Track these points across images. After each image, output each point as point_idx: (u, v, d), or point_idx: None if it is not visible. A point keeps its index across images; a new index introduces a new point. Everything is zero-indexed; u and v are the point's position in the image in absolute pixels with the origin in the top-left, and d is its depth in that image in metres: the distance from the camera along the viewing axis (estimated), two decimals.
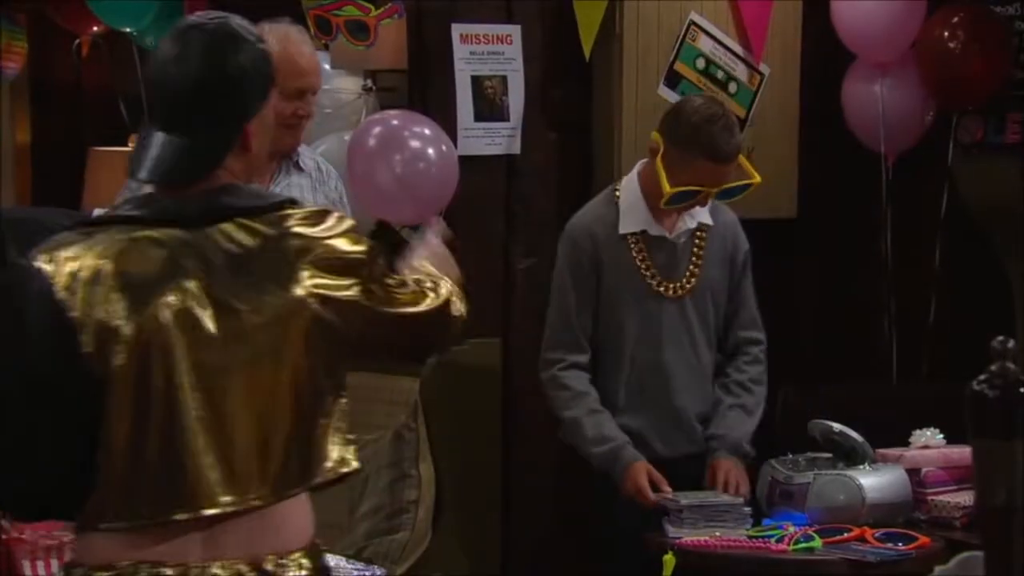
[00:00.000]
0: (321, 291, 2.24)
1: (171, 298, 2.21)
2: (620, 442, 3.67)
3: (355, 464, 2.31)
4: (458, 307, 2.41)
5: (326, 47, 4.44)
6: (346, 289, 2.26)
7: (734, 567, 3.44)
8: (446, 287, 2.42)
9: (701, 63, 4.51)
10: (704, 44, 4.51)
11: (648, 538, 3.55)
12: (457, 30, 4.29)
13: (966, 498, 3.60)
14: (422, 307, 2.35)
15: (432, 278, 2.43)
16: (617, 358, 3.74)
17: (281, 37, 3.56)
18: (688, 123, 3.63)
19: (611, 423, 3.69)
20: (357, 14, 4.27)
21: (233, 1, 5.16)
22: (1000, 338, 2.06)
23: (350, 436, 2.32)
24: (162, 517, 2.20)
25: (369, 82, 4.39)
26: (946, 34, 4.52)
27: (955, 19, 4.52)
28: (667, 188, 3.62)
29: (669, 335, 3.73)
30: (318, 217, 2.29)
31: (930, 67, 4.55)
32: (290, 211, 2.28)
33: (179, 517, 2.19)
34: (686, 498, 3.56)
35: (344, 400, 2.30)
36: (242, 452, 2.21)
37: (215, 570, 2.20)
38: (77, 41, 5.64)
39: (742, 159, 3.76)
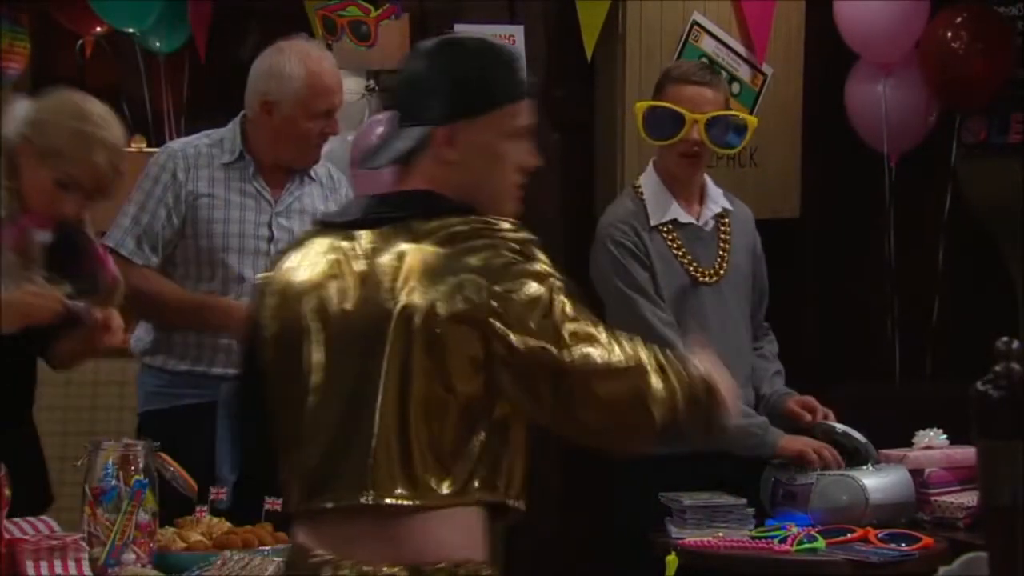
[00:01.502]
0: (478, 315, 2.17)
1: (320, 299, 2.23)
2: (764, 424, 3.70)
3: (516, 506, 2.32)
4: (666, 403, 2.17)
5: (329, 47, 4.45)
6: (514, 320, 2.16)
7: (737, 568, 3.44)
8: (672, 372, 2.18)
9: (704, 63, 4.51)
10: (707, 44, 4.51)
11: (651, 538, 3.55)
12: (460, 30, 4.29)
13: (969, 498, 3.60)
14: (606, 361, 2.15)
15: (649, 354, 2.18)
16: None
17: (303, 57, 3.56)
18: (661, 73, 3.82)
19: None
20: (359, 15, 4.28)
21: (240, 3, 5.18)
22: (1004, 339, 2.06)
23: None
24: (303, 505, 2.23)
25: (372, 82, 4.39)
26: (949, 34, 4.52)
27: (958, 19, 4.52)
28: (639, 104, 3.72)
29: (712, 322, 3.74)
30: (485, 232, 2.24)
31: (933, 67, 4.55)
32: (466, 223, 2.24)
33: (313, 507, 2.21)
34: (689, 498, 3.56)
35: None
36: (373, 455, 2.18)
37: (366, 568, 2.18)
38: (80, 42, 5.64)
39: (736, 111, 3.83)
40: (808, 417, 3.73)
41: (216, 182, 3.60)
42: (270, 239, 3.62)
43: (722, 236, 3.81)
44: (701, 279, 3.75)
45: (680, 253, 3.75)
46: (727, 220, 3.83)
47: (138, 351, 3.70)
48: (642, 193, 3.78)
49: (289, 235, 3.59)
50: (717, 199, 3.81)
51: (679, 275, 3.74)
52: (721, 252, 3.79)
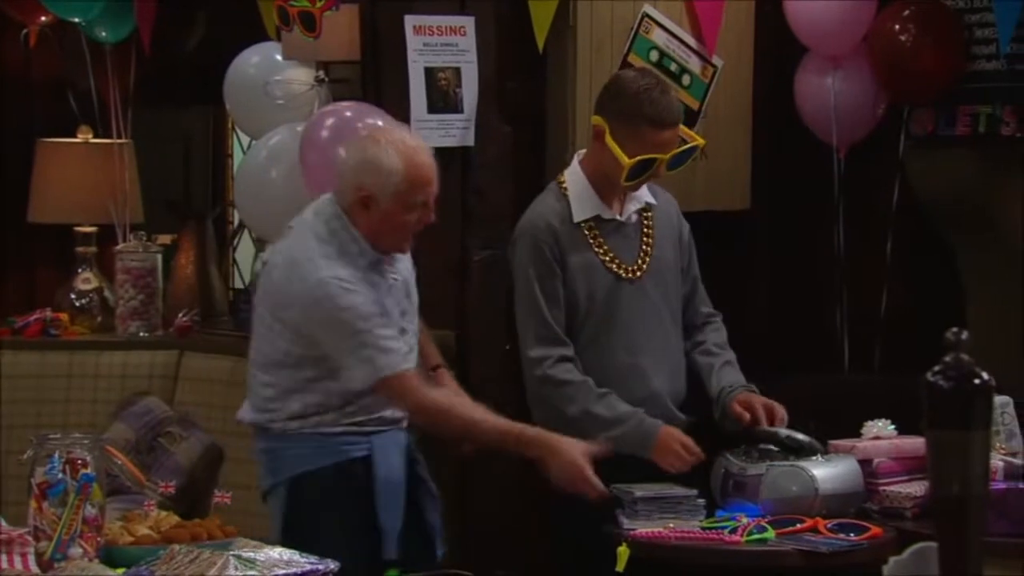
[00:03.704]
0: None
1: None
2: (638, 415, 3.68)
3: None
4: None
5: (279, 37, 4.42)
6: None
7: (687, 558, 3.45)
8: None
9: (654, 55, 4.52)
10: (657, 36, 4.52)
11: (602, 529, 3.55)
12: (410, 21, 4.27)
13: (917, 488, 3.63)
14: None
15: None
16: (586, 347, 3.74)
17: (401, 148, 3.44)
18: (628, 95, 3.70)
19: (619, 401, 3.69)
20: (307, 5, 4.26)
21: None
22: (954, 329, 2.07)
23: None
24: None
25: (322, 73, 4.37)
26: (897, 27, 4.54)
27: (906, 12, 4.54)
28: (626, 161, 3.66)
29: (635, 317, 3.76)
30: None
31: (881, 60, 4.58)
32: None
33: None
34: (640, 490, 3.57)
35: None
36: None
37: None
38: (25, 31, 5.58)
39: (681, 127, 3.80)
40: (747, 418, 3.72)
41: (375, 287, 3.48)
42: (403, 313, 3.56)
43: (645, 231, 3.82)
44: (624, 276, 3.76)
45: (601, 251, 3.76)
46: (650, 214, 3.84)
47: (277, 428, 3.53)
48: (567, 189, 3.79)
49: (409, 302, 3.58)
50: (640, 195, 3.82)
51: (600, 272, 3.75)
52: (644, 247, 3.80)
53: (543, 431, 3.54)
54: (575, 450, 3.46)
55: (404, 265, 3.61)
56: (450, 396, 3.58)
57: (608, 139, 3.69)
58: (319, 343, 3.44)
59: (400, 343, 3.48)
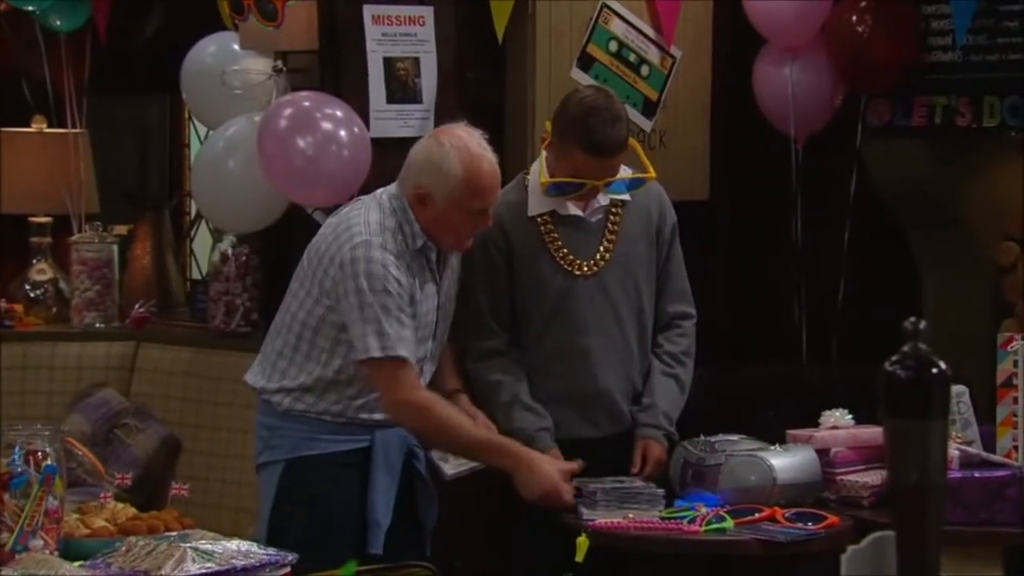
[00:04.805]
0: None
1: None
2: (528, 434, 3.66)
3: None
4: None
5: (236, 27, 4.39)
6: None
7: (647, 548, 3.46)
8: None
9: (614, 46, 4.52)
10: (616, 27, 4.52)
11: (562, 520, 3.55)
12: (369, 11, 4.26)
13: (873, 477, 3.65)
14: None
15: None
16: (534, 342, 3.74)
17: (464, 154, 3.45)
18: (569, 114, 3.66)
19: (521, 412, 3.67)
20: None
21: None
22: (912, 319, 2.08)
23: None
24: None
25: (280, 63, 4.35)
26: (854, 18, 4.56)
27: (863, 3, 4.57)
28: (543, 178, 3.66)
29: (586, 314, 3.73)
30: None
31: (839, 51, 4.60)
32: None
33: None
34: (600, 480, 3.57)
35: None
36: None
37: None
38: None
39: (639, 150, 3.79)
40: (636, 470, 3.69)
41: (415, 276, 3.49)
42: (435, 322, 3.56)
43: (610, 227, 3.76)
44: (577, 272, 3.73)
45: (554, 246, 3.72)
46: (619, 211, 3.77)
47: (284, 405, 3.53)
48: (528, 183, 3.77)
49: (446, 311, 3.57)
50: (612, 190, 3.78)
51: (549, 267, 3.72)
52: (606, 243, 3.75)
53: (520, 445, 3.54)
54: (549, 467, 3.48)
55: (451, 272, 3.61)
56: (437, 398, 3.51)
57: (544, 148, 3.71)
58: (340, 305, 3.44)
59: (410, 333, 3.44)
